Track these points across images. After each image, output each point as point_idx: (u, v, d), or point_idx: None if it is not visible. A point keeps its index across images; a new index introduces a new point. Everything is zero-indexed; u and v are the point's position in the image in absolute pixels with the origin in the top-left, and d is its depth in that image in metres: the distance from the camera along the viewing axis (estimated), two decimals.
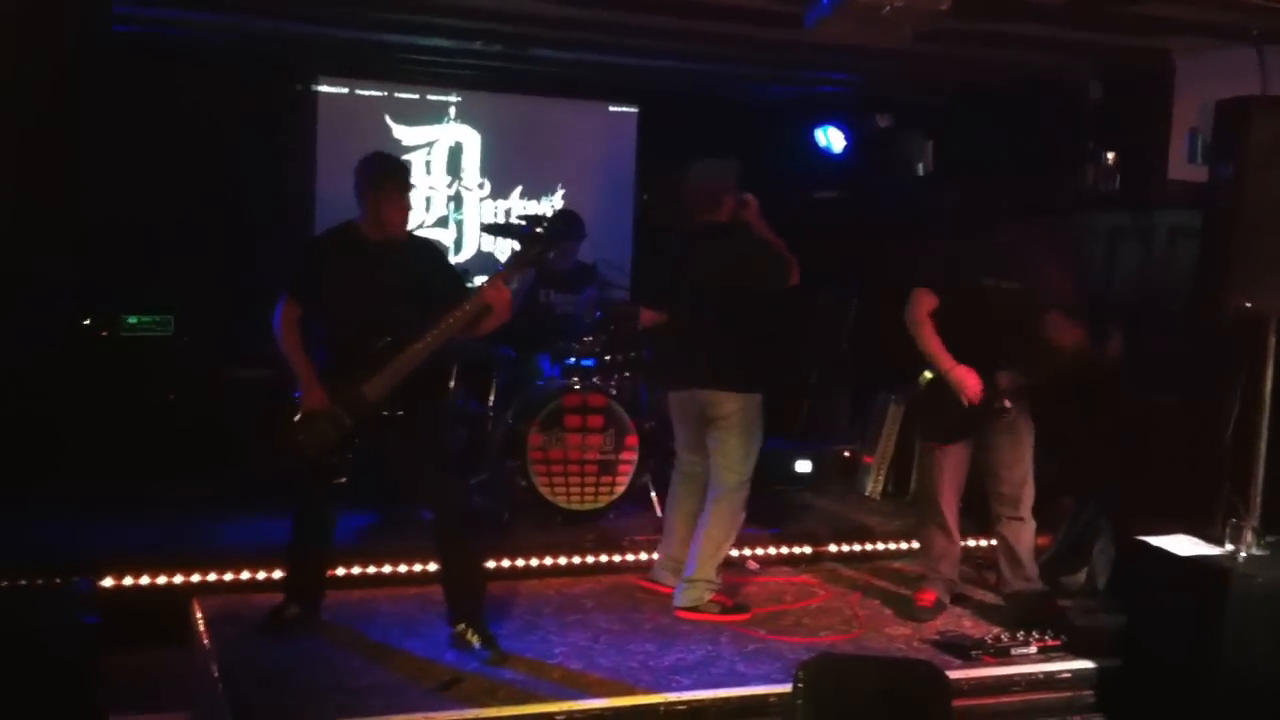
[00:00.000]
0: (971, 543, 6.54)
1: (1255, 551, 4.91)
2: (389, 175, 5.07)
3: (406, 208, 5.13)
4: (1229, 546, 4.95)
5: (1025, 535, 5.80)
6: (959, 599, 6.02)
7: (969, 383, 5.48)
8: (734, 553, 6.44)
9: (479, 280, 7.49)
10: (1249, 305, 4.76)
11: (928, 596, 5.83)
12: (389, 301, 4.97)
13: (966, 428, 5.62)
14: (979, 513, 6.07)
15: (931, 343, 5.55)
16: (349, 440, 4.96)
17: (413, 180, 5.39)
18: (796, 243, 8.86)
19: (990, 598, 6.06)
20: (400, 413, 4.99)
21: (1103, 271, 6.83)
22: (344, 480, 5.02)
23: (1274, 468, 5.00)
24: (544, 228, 6.44)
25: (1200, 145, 6.01)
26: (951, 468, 5.74)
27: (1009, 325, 5.48)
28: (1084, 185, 6.95)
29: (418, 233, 8.56)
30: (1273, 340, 4.91)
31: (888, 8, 4.31)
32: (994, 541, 5.96)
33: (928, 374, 5.63)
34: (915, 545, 6.34)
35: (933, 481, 5.80)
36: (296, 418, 4.97)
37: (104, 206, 7.64)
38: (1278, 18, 5.04)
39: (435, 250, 5.53)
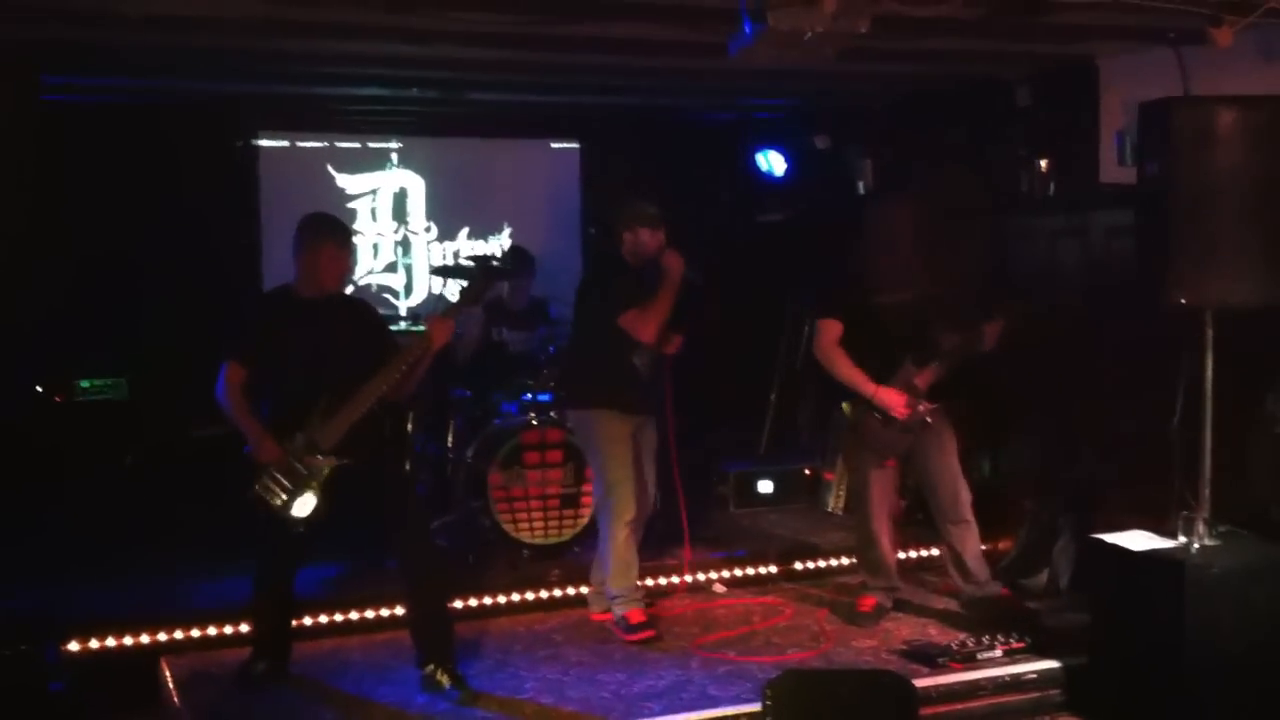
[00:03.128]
0: (932, 551, 6.60)
1: (1208, 542, 4.98)
2: (325, 234, 5.13)
3: (343, 265, 5.22)
4: (1182, 539, 5.02)
5: (969, 540, 5.91)
6: (925, 609, 6.10)
7: (893, 401, 5.62)
8: (700, 577, 6.51)
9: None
10: (1184, 301, 4.85)
11: (868, 602, 5.99)
12: (329, 357, 5.01)
13: (900, 442, 5.76)
14: (928, 521, 6.19)
15: (846, 370, 5.69)
16: (304, 490, 4.96)
17: (356, 230, 5.45)
18: (745, 265, 8.99)
19: (955, 605, 6.12)
20: (358, 460, 5.01)
21: (1044, 273, 6.92)
22: (302, 530, 5.02)
23: (1221, 458, 5.09)
24: (490, 262, 6.53)
25: (1129, 147, 6.12)
26: (880, 487, 5.89)
27: (905, 333, 5.65)
28: (1018, 192, 7.06)
29: (368, 278, 8.74)
30: (1210, 332, 5.00)
31: (808, 33, 4.38)
32: (942, 550, 6.06)
33: (845, 405, 5.76)
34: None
35: (865, 503, 5.95)
36: (251, 473, 4.98)
37: (49, 272, 7.63)
38: (1192, 19, 5.16)
39: (369, 308, 5.59)
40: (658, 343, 5.67)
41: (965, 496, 5.88)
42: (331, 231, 5.17)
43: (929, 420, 5.70)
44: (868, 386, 5.65)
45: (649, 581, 6.25)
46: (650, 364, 5.76)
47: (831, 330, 5.71)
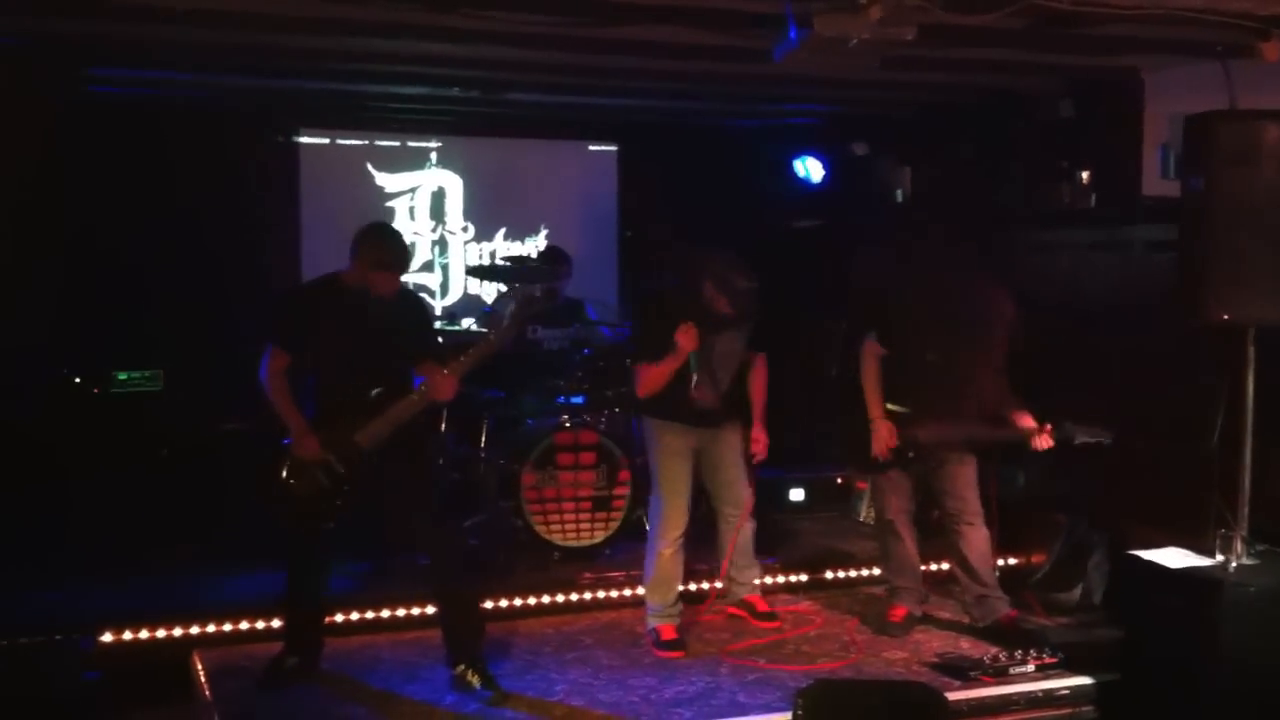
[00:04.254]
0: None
1: (1245, 561, 4.95)
2: (390, 259, 5.06)
3: (396, 284, 5.15)
4: (1220, 557, 4.99)
5: (976, 541, 5.88)
6: (956, 622, 6.06)
7: (880, 439, 5.68)
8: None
9: (466, 323, 7.60)
10: (1226, 317, 4.81)
11: (898, 611, 6.00)
12: (377, 351, 5.00)
13: (887, 463, 5.79)
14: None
15: (870, 388, 5.74)
16: (341, 487, 4.98)
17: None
18: (781, 271, 8.97)
19: None
20: (393, 459, 5.02)
21: (1083, 287, 6.88)
22: (333, 526, 5.03)
23: (1261, 476, 5.05)
24: (539, 290, 6.56)
25: (1172, 160, 6.07)
26: (894, 485, 5.91)
27: (945, 376, 5.58)
28: (1059, 204, 7.02)
29: (404, 277, 8.73)
30: (1252, 350, 4.96)
31: (854, 39, 4.37)
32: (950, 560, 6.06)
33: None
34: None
35: (881, 500, 6.01)
36: (288, 465, 4.99)
37: (90, 264, 7.71)
38: (1239, 33, 5.11)
39: (417, 300, 5.58)
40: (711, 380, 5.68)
41: (974, 499, 5.85)
42: (394, 257, 5.08)
43: (914, 459, 5.75)
44: (873, 410, 5.72)
45: (692, 586, 6.22)
46: (709, 384, 5.69)
47: (872, 348, 5.77)
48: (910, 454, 5.69)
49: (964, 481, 5.84)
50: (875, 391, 5.73)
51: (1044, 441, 5.48)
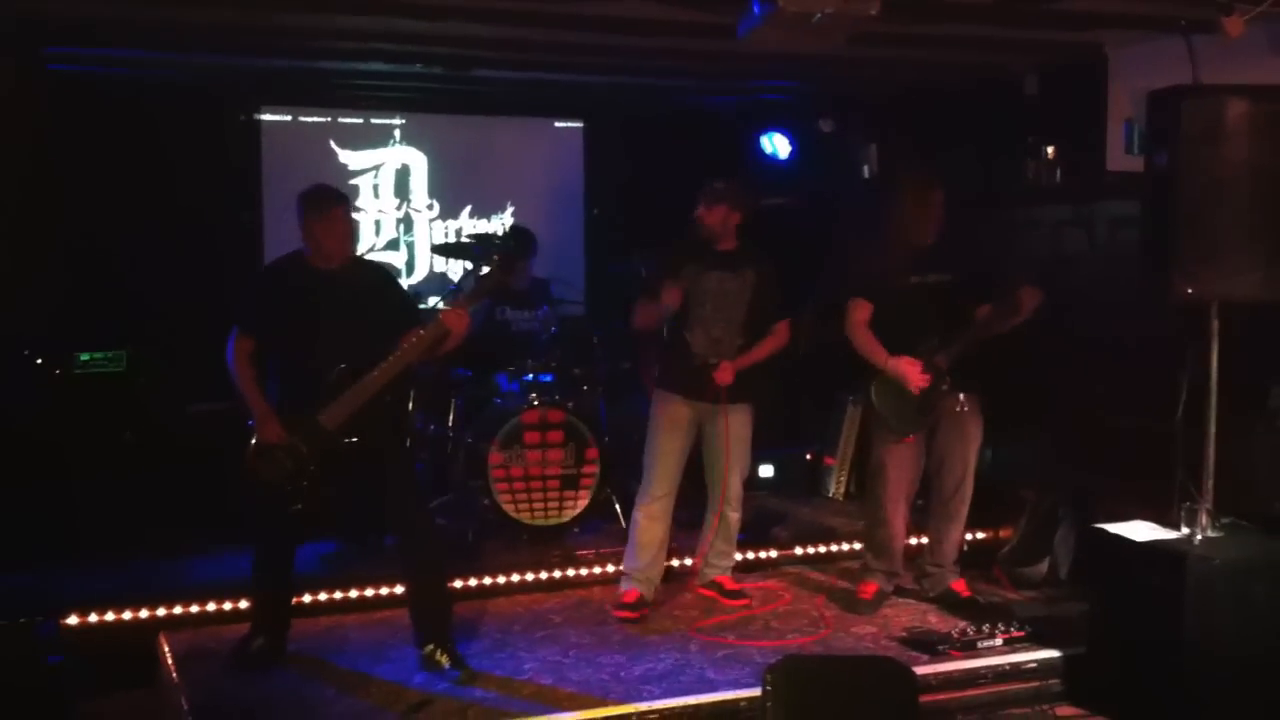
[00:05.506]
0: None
1: (1210, 534, 4.98)
2: (324, 206, 5.04)
3: (345, 235, 5.12)
4: (1185, 530, 5.02)
5: (953, 532, 5.96)
6: (927, 599, 6.07)
7: (908, 370, 5.62)
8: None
9: (433, 301, 7.56)
10: (1190, 292, 4.83)
11: (869, 588, 6.00)
12: (341, 329, 4.95)
13: (918, 420, 5.73)
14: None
15: (869, 345, 5.72)
16: (305, 469, 4.94)
17: (356, 205, 5.38)
18: None
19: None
20: (361, 440, 4.99)
21: (1051, 263, 6.91)
22: (300, 508, 4.99)
23: (1225, 450, 5.08)
24: (500, 252, 6.50)
25: (1136, 135, 6.10)
26: (897, 467, 5.86)
27: (939, 313, 5.66)
28: (1025, 179, 7.04)
29: (368, 256, 8.69)
30: (1215, 324, 4.99)
31: (817, 15, 4.36)
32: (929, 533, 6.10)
33: (872, 384, 5.78)
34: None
35: (880, 481, 5.93)
36: (252, 448, 4.95)
37: (50, 245, 7.61)
38: (1204, 8, 5.13)
39: (385, 274, 5.53)
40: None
41: (967, 493, 5.86)
42: (327, 203, 5.04)
43: (960, 409, 5.70)
44: (880, 357, 5.68)
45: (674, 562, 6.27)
46: (700, 327, 5.79)
47: (861, 310, 5.75)
48: (944, 384, 5.63)
49: (965, 465, 5.82)
50: (874, 342, 5.71)
51: (1030, 297, 5.58)
